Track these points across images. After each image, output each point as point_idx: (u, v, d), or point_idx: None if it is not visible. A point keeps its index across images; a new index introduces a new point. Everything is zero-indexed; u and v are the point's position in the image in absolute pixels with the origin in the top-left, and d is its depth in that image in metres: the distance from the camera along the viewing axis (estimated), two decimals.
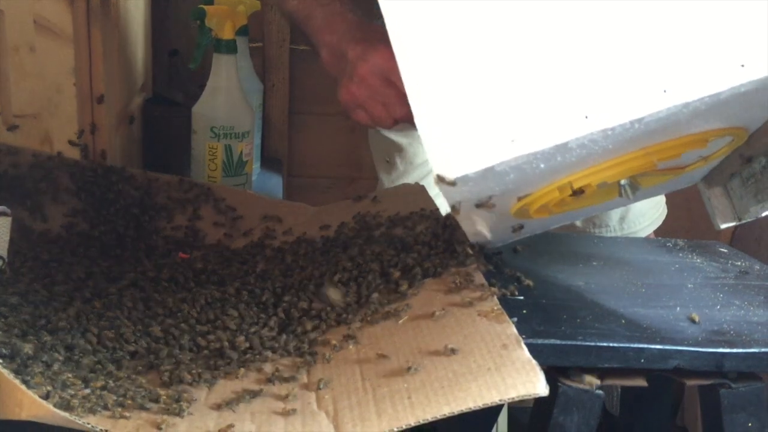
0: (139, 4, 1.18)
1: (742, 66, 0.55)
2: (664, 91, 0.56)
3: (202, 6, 1.10)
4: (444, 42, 0.61)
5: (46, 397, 0.59)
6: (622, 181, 0.68)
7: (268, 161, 1.45)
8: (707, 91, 0.56)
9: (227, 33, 1.08)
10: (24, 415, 0.55)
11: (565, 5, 0.60)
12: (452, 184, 0.60)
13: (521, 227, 0.82)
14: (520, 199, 0.70)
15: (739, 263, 0.95)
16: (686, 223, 1.27)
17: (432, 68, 0.61)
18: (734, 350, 0.74)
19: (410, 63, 0.61)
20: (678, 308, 0.81)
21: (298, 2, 0.93)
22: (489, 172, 0.60)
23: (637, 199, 1.05)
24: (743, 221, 0.80)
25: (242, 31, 1.17)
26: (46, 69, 0.93)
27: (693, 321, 0.78)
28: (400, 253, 0.83)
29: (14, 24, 0.91)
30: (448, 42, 0.61)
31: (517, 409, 1.44)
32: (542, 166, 0.62)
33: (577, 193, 0.68)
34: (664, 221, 1.25)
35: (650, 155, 0.65)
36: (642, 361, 0.73)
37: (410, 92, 0.61)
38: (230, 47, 1.08)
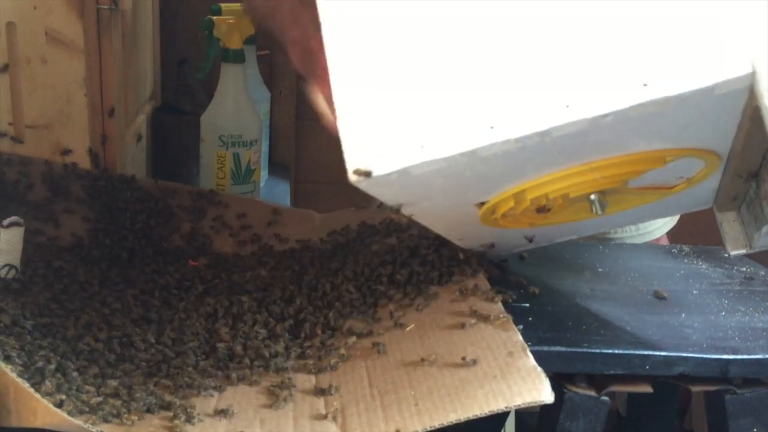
0: (147, 14, 1.19)
1: (645, 85, 0.55)
2: (567, 106, 0.57)
3: (210, 17, 1.12)
4: (368, 44, 0.62)
5: (60, 405, 0.60)
6: (591, 197, 0.69)
7: (276, 168, 1.46)
8: (608, 108, 0.56)
9: (235, 43, 1.09)
10: (38, 423, 0.56)
11: (479, 16, 0.61)
12: (365, 178, 0.60)
13: (532, 239, 0.83)
14: (479, 205, 0.71)
15: (744, 269, 0.96)
16: (692, 228, 1.27)
17: (355, 70, 0.62)
18: (739, 356, 0.74)
19: (337, 64, 0.62)
20: (683, 315, 0.82)
21: (263, 2, 0.85)
22: (405, 175, 0.60)
23: (643, 219, 1.05)
24: (753, 250, 0.78)
25: (250, 40, 1.19)
26: (58, 80, 0.94)
27: (662, 297, 0.80)
28: (406, 261, 0.84)
29: (26, 36, 0.92)
30: (372, 45, 0.62)
31: (525, 413, 1.45)
32: (467, 173, 0.62)
33: (542, 209, 0.68)
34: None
35: (595, 171, 0.65)
36: (647, 367, 0.73)
37: (335, 92, 0.62)
38: (238, 57, 1.10)
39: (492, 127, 0.58)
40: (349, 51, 0.62)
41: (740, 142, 0.65)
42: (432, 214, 0.73)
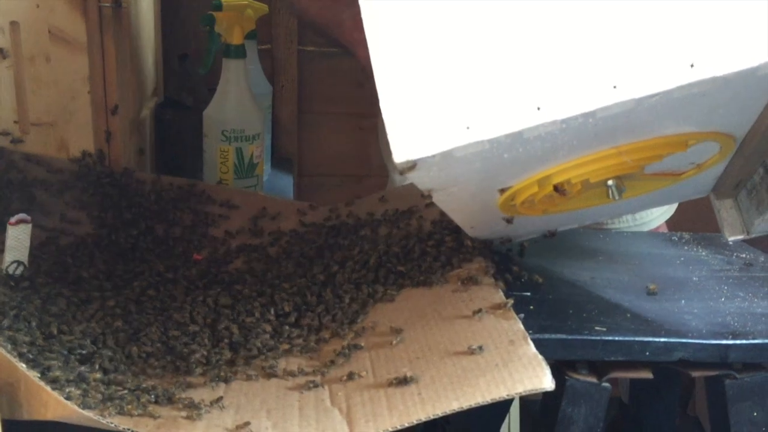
0: (149, 10, 1.20)
1: (692, 66, 0.56)
2: (614, 87, 0.58)
3: (211, 12, 1.12)
4: (411, 27, 0.63)
5: (69, 397, 0.61)
6: (609, 182, 0.70)
7: (279, 161, 1.46)
8: (655, 89, 0.57)
9: (236, 38, 1.10)
10: (49, 415, 0.57)
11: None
12: (411, 167, 0.61)
13: (554, 234, 0.85)
14: (501, 191, 0.71)
15: (744, 255, 0.96)
16: (692, 215, 1.28)
17: (399, 53, 0.62)
18: (738, 341, 0.75)
19: (379, 47, 0.62)
20: (683, 301, 0.82)
21: (319, 9, 0.96)
22: (448, 157, 0.61)
23: (642, 208, 1.06)
24: (752, 235, 0.80)
25: (251, 35, 1.19)
26: (61, 78, 0.95)
27: (651, 292, 0.81)
28: (407, 251, 0.84)
29: (30, 34, 0.93)
30: (415, 27, 0.62)
31: (530, 400, 1.46)
32: (505, 156, 0.63)
33: (560, 190, 0.69)
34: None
35: (624, 154, 0.66)
36: (647, 353, 0.74)
37: (377, 76, 0.62)
38: (239, 52, 1.10)
39: (539, 108, 0.59)
40: (391, 33, 0.62)
41: (764, 123, 0.66)
42: (455, 201, 0.73)
